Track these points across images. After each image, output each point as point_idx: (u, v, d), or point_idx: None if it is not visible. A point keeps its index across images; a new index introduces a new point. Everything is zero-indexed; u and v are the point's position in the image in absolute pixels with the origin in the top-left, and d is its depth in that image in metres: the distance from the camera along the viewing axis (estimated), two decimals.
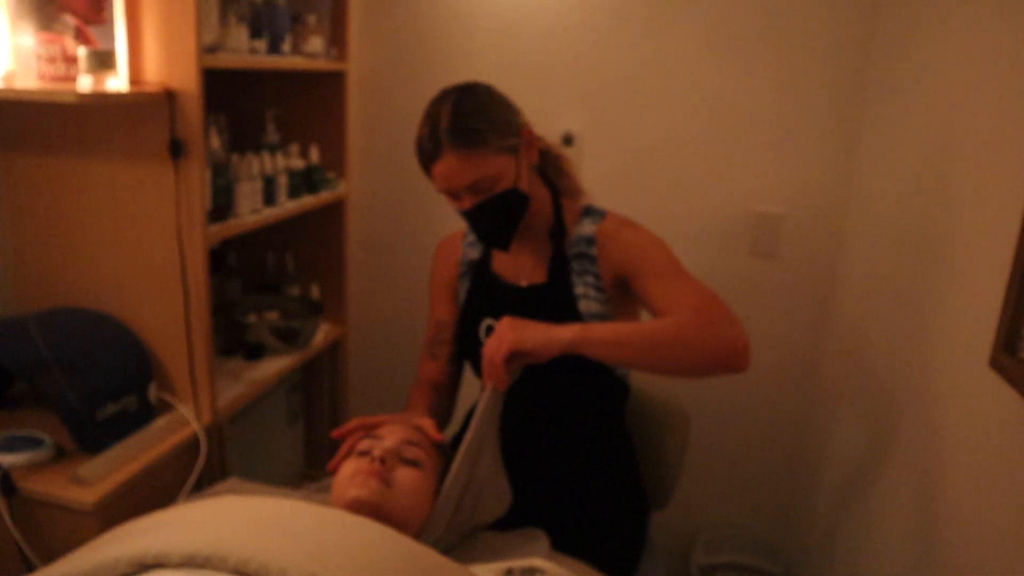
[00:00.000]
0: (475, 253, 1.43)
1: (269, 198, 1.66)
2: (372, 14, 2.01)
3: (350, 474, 1.09)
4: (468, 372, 1.48)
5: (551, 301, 1.30)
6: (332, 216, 1.95)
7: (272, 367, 1.72)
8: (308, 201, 1.78)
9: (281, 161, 1.70)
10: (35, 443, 1.33)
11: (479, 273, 1.41)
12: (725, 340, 1.09)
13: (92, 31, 1.33)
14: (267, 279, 1.98)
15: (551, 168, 1.39)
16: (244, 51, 1.55)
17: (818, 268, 1.89)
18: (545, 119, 1.95)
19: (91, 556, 0.81)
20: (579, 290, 1.29)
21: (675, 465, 1.55)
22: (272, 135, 1.74)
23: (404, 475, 1.10)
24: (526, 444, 1.35)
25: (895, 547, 1.36)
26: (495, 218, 1.25)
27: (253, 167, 1.60)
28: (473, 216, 1.25)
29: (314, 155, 1.82)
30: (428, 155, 1.21)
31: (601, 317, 1.29)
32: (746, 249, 1.92)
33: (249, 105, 1.79)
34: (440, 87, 1.98)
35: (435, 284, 1.49)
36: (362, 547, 0.82)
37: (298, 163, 1.75)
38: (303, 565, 0.74)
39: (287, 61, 1.69)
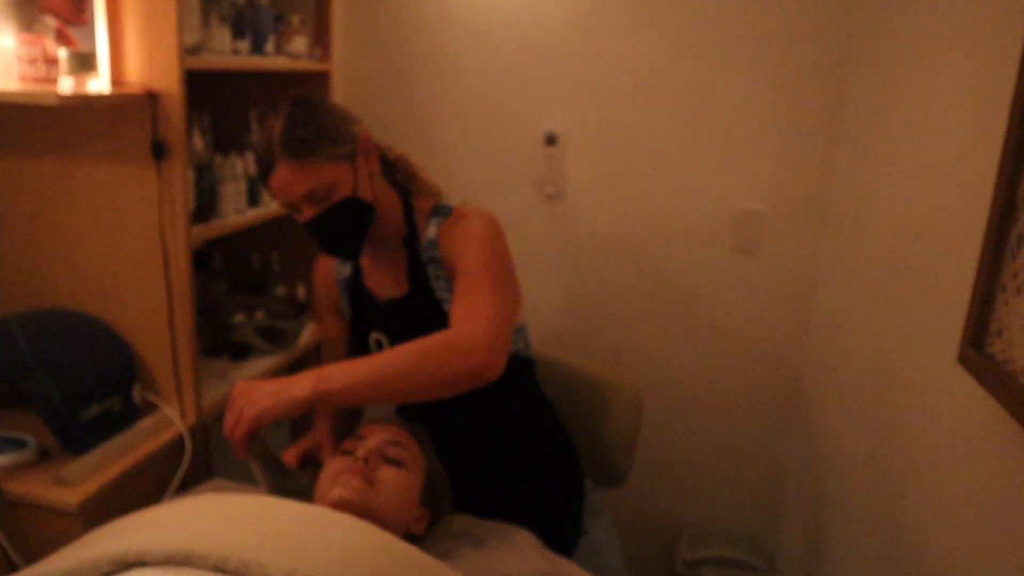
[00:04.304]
0: (347, 270, 1.43)
1: (253, 198, 1.67)
2: (356, 14, 2.02)
3: (333, 474, 1.10)
4: None
5: (418, 311, 1.31)
6: None
7: (258, 367, 1.73)
8: None
9: None
10: (18, 444, 1.33)
11: (354, 289, 1.41)
12: (458, 363, 1.09)
13: (73, 32, 1.33)
14: (252, 279, 1.98)
15: (402, 174, 1.38)
16: (227, 52, 1.56)
17: (799, 264, 1.91)
18: (528, 119, 1.97)
19: (72, 556, 0.81)
20: (440, 295, 1.30)
21: (626, 440, 1.57)
22: (256, 135, 1.74)
23: (387, 475, 1.11)
24: (443, 435, 1.34)
25: (871, 540, 1.38)
26: (336, 228, 1.24)
27: (237, 167, 1.60)
28: (314, 227, 1.24)
29: None
30: (263, 168, 1.22)
31: None
32: (728, 246, 1.94)
33: (232, 105, 1.79)
34: (425, 88, 2.01)
35: (317, 304, 1.50)
36: (342, 543, 0.83)
37: None
38: (282, 562, 0.75)
39: (270, 62, 1.69)
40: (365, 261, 1.40)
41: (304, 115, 1.22)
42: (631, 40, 1.88)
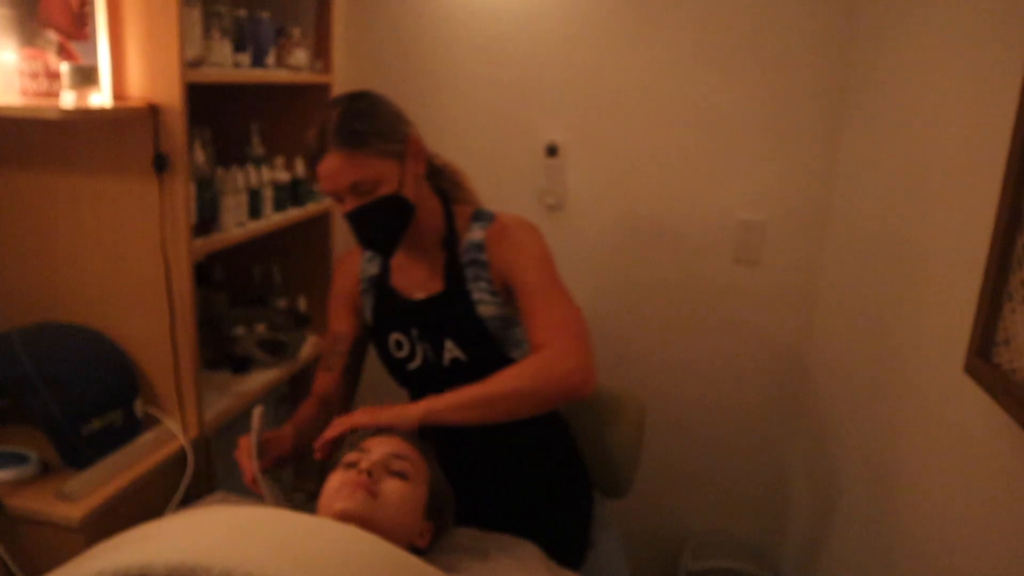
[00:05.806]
0: (374, 268, 1.45)
1: (255, 211, 1.67)
2: (356, 27, 2.02)
3: (337, 486, 1.10)
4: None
5: (451, 308, 1.33)
6: (318, 228, 1.95)
7: (259, 380, 1.72)
8: (294, 214, 1.79)
9: (266, 174, 1.70)
10: (20, 459, 1.32)
11: (380, 288, 1.43)
12: (558, 383, 1.18)
13: (75, 47, 1.33)
14: (254, 292, 1.98)
15: (446, 181, 1.42)
16: (228, 65, 1.56)
17: (801, 274, 1.91)
18: (529, 130, 1.98)
19: (75, 570, 0.81)
20: (476, 296, 1.32)
21: (630, 452, 1.57)
22: (257, 148, 1.74)
23: (391, 487, 1.11)
24: (455, 444, 1.34)
25: (876, 551, 1.37)
26: (376, 222, 1.27)
27: (238, 180, 1.60)
28: (355, 219, 1.27)
29: (299, 167, 1.82)
30: (313, 154, 1.25)
31: (501, 319, 1.32)
32: (729, 256, 1.94)
33: (234, 118, 1.79)
34: (425, 99, 2.02)
35: (334, 297, 1.51)
36: (347, 554, 0.82)
37: (283, 176, 1.76)
38: (288, 573, 0.74)
39: (271, 74, 1.70)
40: (397, 260, 1.42)
41: (362, 108, 1.25)
42: (632, 52, 1.88)
